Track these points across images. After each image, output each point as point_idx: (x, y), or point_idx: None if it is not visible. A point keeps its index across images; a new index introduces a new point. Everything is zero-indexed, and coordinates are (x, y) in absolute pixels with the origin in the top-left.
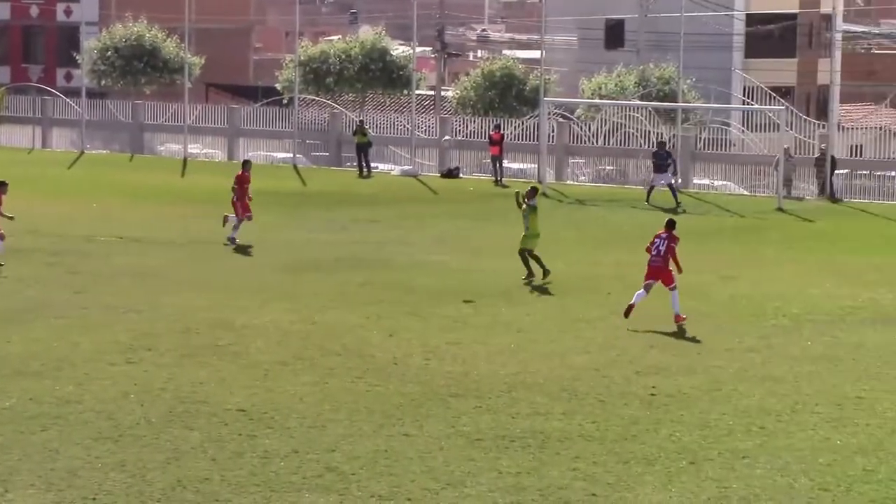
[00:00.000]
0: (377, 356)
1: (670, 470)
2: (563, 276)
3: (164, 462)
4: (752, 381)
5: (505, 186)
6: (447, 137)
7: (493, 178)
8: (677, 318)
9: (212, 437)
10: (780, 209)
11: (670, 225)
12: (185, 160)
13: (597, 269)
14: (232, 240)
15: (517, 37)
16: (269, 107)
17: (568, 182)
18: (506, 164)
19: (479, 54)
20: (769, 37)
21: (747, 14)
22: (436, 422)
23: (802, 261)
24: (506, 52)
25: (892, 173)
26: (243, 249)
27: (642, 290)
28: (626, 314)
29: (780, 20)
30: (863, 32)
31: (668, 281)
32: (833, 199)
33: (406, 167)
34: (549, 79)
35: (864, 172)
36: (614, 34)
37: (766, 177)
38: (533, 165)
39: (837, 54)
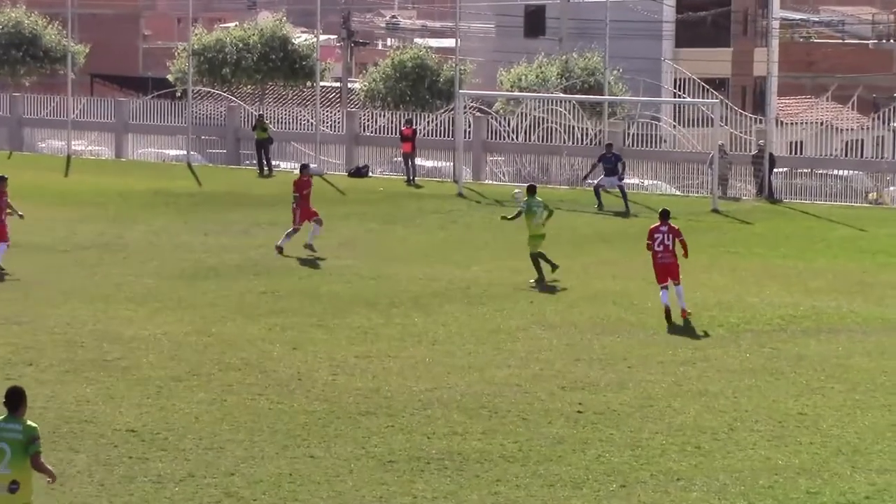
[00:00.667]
0: (280, 371)
1: (599, 493)
2: (482, 282)
3: (48, 487)
4: (686, 397)
5: (417, 186)
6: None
7: (405, 178)
8: (683, 313)
9: (99, 460)
10: (715, 210)
11: (666, 216)
12: (68, 158)
13: (518, 276)
14: (279, 248)
15: (430, 24)
16: (161, 100)
17: (486, 182)
18: (418, 162)
19: (388, 43)
20: (701, 24)
21: (678, 0)
22: (344, 442)
23: (740, 266)
24: (418, 40)
25: (835, 172)
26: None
27: (663, 292)
28: (669, 318)
29: (713, 7)
30: (801, 20)
31: (677, 275)
32: (772, 199)
33: (311, 165)
34: (465, 69)
35: (805, 171)
36: (534, 21)
37: (699, 176)
38: (448, 164)
39: (774, 43)
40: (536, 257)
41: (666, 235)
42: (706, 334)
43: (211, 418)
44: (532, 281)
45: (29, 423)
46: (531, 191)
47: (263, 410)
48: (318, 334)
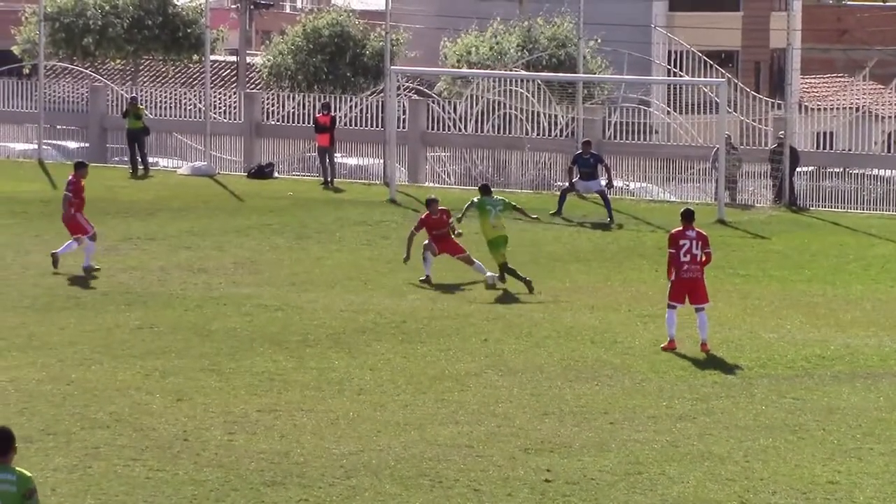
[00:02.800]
0: (160, 429)
1: None
2: (421, 315)
3: None
4: (685, 461)
5: (337, 190)
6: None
7: (321, 179)
8: (705, 347)
9: None
10: (721, 221)
11: (691, 217)
12: None
13: (468, 306)
14: None
15: None
16: (3, 78)
17: (427, 184)
18: (338, 159)
19: (299, 4)
20: None
21: None
22: None
23: (753, 293)
24: (337, 1)
25: (874, 171)
26: None
27: (672, 315)
28: (669, 348)
29: None
30: None
31: (704, 296)
32: (793, 207)
33: (198, 164)
34: (398, 39)
35: (836, 170)
36: None
37: (700, 176)
38: (377, 161)
39: (797, 6)
40: (505, 268)
41: (694, 242)
42: (710, 381)
43: (71, 490)
44: (528, 289)
45: (22, 471)
46: (485, 191)
47: (139, 480)
48: (209, 381)
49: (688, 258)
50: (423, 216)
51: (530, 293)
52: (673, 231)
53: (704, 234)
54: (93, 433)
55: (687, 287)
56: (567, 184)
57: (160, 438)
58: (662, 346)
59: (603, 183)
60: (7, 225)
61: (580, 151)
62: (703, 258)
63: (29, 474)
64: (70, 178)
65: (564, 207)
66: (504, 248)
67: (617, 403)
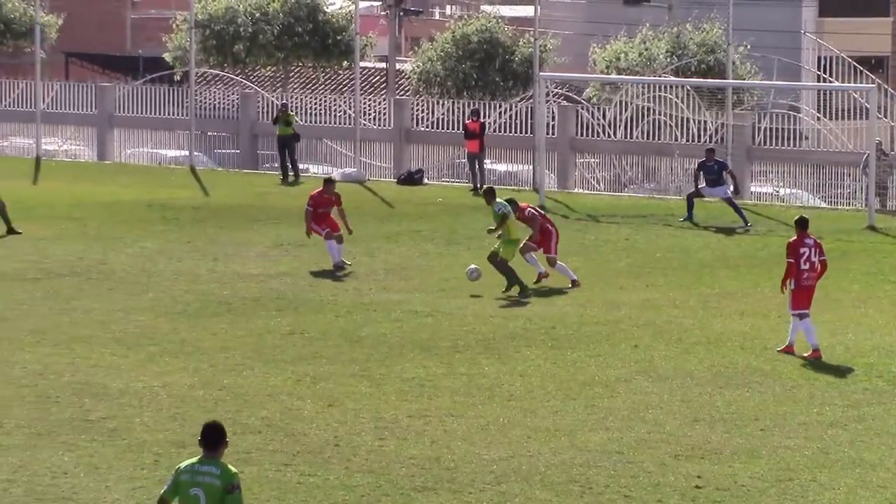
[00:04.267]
0: (312, 434)
1: None
2: (571, 321)
3: None
4: (836, 468)
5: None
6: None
7: (470, 186)
8: (816, 353)
9: None
10: (871, 227)
11: (806, 224)
12: (37, 160)
13: (618, 312)
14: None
15: None
16: (155, 85)
17: (575, 191)
18: (487, 165)
19: (448, 11)
20: None
21: None
22: None
23: None
24: (486, 7)
25: None
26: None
27: (800, 321)
28: (815, 357)
29: None
30: None
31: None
32: None
33: (348, 170)
34: (547, 45)
35: None
36: None
37: (851, 182)
38: (526, 167)
39: None
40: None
41: (813, 250)
42: (861, 387)
43: None
44: (516, 293)
45: (229, 466)
46: (493, 195)
47: (291, 485)
48: (360, 387)
49: (807, 266)
50: (313, 193)
51: (520, 295)
52: (791, 240)
53: (819, 241)
54: (244, 438)
55: (808, 295)
56: (693, 189)
57: (311, 444)
58: (806, 354)
59: (729, 190)
60: (160, 231)
61: (703, 159)
62: (819, 266)
63: (234, 470)
64: (316, 192)
65: (693, 211)
66: (515, 248)
67: (767, 410)
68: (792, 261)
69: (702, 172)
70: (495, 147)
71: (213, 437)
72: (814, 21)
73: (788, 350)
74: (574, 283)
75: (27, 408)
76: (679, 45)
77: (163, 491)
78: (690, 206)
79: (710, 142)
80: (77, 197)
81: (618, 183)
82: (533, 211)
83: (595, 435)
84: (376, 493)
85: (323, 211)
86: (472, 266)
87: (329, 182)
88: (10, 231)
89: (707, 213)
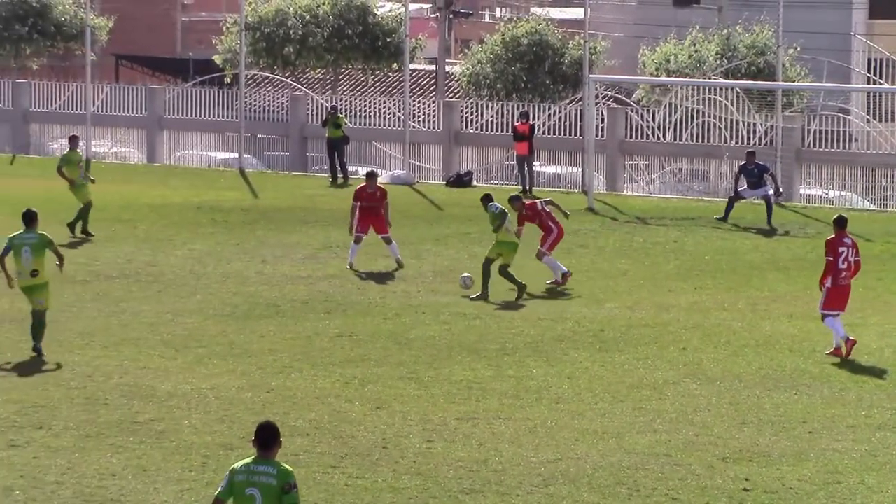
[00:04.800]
0: (360, 437)
1: None
2: (619, 323)
3: None
4: (884, 471)
5: (535, 198)
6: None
7: (520, 187)
8: (837, 351)
9: None
10: None
11: (845, 223)
12: (87, 162)
13: (666, 315)
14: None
15: None
16: (205, 87)
17: (625, 192)
18: (537, 167)
19: (497, 14)
20: None
21: None
22: None
23: None
24: (536, 10)
25: None
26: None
27: (835, 322)
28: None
29: None
30: None
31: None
32: None
33: (398, 172)
34: (596, 48)
35: None
36: None
37: None
38: (575, 169)
39: None
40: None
41: (850, 250)
42: None
43: None
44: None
45: (284, 466)
46: (489, 199)
47: (339, 487)
48: (408, 390)
49: (845, 265)
50: (357, 188)
51: (517, 298)
52: (830, 238)
53: (856, 241)
54: (293, 441)
55: (845, 295)
56: (734, 192)
57: (359, 446)
58: (828, 352)
59: (770, 191)
60: (209, 234)
61: (744, 162)
62: (854, 266)
63: (290, 469)
64: (359, 186)
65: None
66: (514, 254)
67: (815, 412)
68: (831, 259)
69: (742, 175)
70: (544, 149)
71: (267, 437)
72: (864, 23)
73: (838, 353)
74: (565, 277)
75: (76, 410)
76: (729, 47)
77: (217, 492)
78: (729, 208)
79: (759, 144)
80: (126, 199)
81: (667, 185)
82: (538, 208)
83: (643, 437)
84: (424, 495)
85: (368, 206)
86: (465, 274)
87: (371, 176)
88: (85, 233)
89: (756, 215)
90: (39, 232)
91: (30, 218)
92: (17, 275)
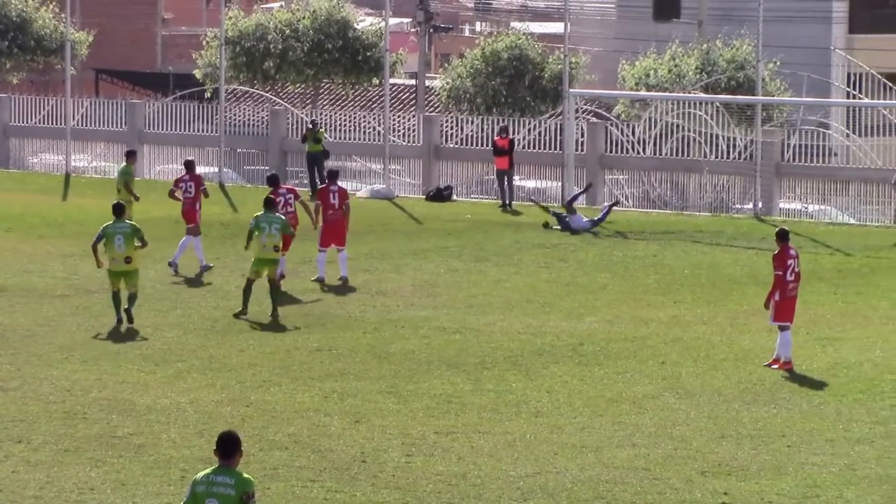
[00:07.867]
0: (339, 451)
1: None
2: (598, 337)
3: None
4: (862, 485)
5: (515, 213)
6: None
7: (499, 202)
8: (789, 364)
9: None
10: None
11: (788, 236)
12: (67, 176)
13: (646, 329)
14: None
15: (531, 3)
16: (185, 102)
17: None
18: (516, 181)
19: (478, 28)
20: (883, 4)
21: None
22: None
23: None
24: (516, 24)
25: None
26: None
27: (785, 334)
28: (787, 368)
29: None
30: None
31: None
32: None
33: (377, 187)
34: (577, 62)
35: None
36: (667, 0)
37: (881, 199)
38: (555, 184)
39: None
40: (249, 286)
41: (796, 262)
42: (888, 404)
43: None
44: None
45: (245, 475)
46: (268, 205)
47: (318, 501)
48: (387, 404)
49: (792, 277)
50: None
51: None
52: (777, 252)
53: (798, 252)
54: (271, 454)
55: (792, 305)
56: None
57: (338, 460)
58: (776, 366)
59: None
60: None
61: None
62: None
63: (249, 478)
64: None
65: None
66: (265, 269)
67: (794, 426)
68: (780, 273)
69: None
70: (524, 164)
71: (228, 447)
72: (843, 38)
73: (787, 367)
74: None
75: (55, 424)
76: (708, 61)
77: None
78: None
79: (738, 158)
80: (106, 213)
81: (646, 199)
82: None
83: (622, 451)
84: None
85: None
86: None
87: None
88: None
89: (735, 229)
90: (129, 222)
91: (120, 210)
92: (110, 261)
